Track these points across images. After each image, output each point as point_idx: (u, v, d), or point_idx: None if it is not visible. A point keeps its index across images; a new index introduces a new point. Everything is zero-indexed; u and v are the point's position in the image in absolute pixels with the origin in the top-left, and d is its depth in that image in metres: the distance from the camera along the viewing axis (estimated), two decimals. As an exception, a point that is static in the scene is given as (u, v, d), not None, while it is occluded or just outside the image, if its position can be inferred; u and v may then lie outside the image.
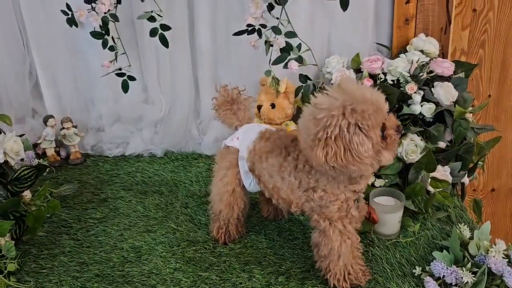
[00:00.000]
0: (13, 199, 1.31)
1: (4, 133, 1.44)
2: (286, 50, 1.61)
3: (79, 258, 1.40)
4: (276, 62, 1.62)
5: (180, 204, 1.64)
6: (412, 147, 1.50)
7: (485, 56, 1.97)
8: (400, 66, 1.57)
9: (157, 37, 1.66)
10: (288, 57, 1.61)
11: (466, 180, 1.61)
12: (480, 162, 1.60)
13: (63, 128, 1.95)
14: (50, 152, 1.98)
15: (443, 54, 1.83)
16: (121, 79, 1.79)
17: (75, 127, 1.97)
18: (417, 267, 1.23)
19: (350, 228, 1.18)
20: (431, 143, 1.53)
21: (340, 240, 1.18)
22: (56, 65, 1.93)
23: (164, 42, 1.65)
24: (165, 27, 1.64)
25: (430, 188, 1.51)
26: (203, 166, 1.90)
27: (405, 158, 1.52)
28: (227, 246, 1.41)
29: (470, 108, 1.63)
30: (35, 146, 1.97)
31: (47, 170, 1.63)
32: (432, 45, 1.72)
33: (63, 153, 2.02)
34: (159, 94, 1.90)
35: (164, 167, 1.91)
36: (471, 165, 1.57)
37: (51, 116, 1.95)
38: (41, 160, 1.81)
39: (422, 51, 1.70)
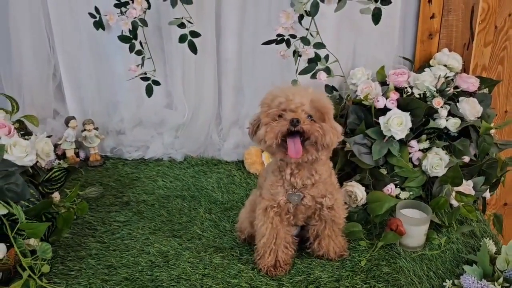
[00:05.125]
0: (45, 201, 1.32)
1: (35, 135, 1.45)
2: (314, 60, 1.63)
3: (107, 261, 1.40)
4: (304, 72, 1.64)
5: (203, 210, 1.65)
6: (437, 161, 1.52)
7: (504, 72, 2.00)
8: (427, 80, 1.59)
9: (184, 43, 1.68)
10: (316, 68, 1.63)
11: (487, 194, 1.63)
12: (502, 178, 1.62)
13: (85, 129, 1.96)
14: (70, 153, 1.98)
15: (464, 70, 1.85)
16: (144, 83, 1.81)
17: (96, 129, 1.97)
18: (447, 280, 1.24)
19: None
20: (456, 157, 1.55)
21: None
22: (80, 67, 1.94)
23: (193, 48, 1.67)
24: (195, 34, 1.66)
25: (453, 202, 1.53)
26: (224, 172, 1.91)
27: (429, 171, 1.53)
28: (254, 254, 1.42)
29: (493, 124, 1.65)
30: (55, 147, 1.97)
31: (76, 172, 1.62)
32: (455, 61, 1.75)
33: (82, 154, 2.03)
34: (182, 99, 1.91)
35: (185, 172, 1.92)
36: (494, 180, 1.59)
37: (73, 118, 1.96)
38: (61, 162, 1.81)
39: (445, 66, 1.73)
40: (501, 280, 1.17)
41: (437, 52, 1.83)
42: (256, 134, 1.23)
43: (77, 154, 2.01)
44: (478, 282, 1.19)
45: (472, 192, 1.55)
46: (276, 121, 1.19)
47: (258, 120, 1.24)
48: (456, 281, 1.24)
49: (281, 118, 1.19)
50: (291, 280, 1.31)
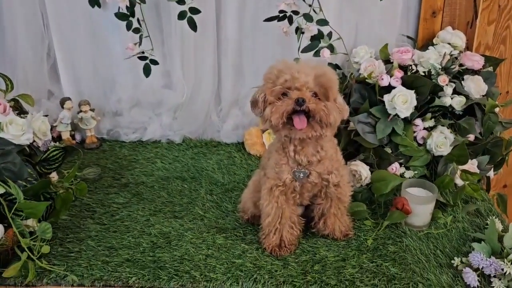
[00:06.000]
0: (44, 180, 1.28)
1: (31, 114, 1.40)
2: (317, 38, 1.59)
3: (107, 242, 1.37)
4: (307, 50, 1.60)
5: (204, 191, 1.62)
6: (442, 140, 1.50)
7: (506, 52, 1.97)
8: (432, 58, 1.56)
9: (183, 21, 1.64)
10: (319, 45, 1.59)
11: (491, 173, 1.62)
12: (506, 156, 1.61)
13: (81, 111, 1.91)
14: (66, 135, 1.94)
15: (467, 48, 1.82)
16: (142, 63, 1.76)
17: (92, 110, 1.93)
18: (455, 258, 1.23)
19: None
20: (461, 135, 1.53)
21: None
22: (75, 47, 1.88)
23: (193, 25, 1.62)
24: (195, 10, 1.61)
25: (458, 181, 1.52)
26: (224, 153, 1.88)
27: (433, 150, 1.51)
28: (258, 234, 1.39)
29: (497, 102, 1.63)
30: (50, 129, 1.92)
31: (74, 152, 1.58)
32: (459, 39, 1.72)
33: (78, 137, 1.99)
34: (181, 79, 1.86)
35: (184, 153, 1.88)
36: (499, 159, 1.57)
37: (68, 99, 1.91)
38: (57, 143, 1.77)
39: (449, 44, 1.70)
40: (511, 256, 1.16)
41: (440, 30, 1.80)
42: (263, 113, 1.20)
43: (73, 137, 1.97)
44: (487, 260, 1.17)
45: (477, 171, 1.53)
46: (281, 100, 1.17)
47: (264, 96, 1.20)
48: (464, 259, 1.23)
49: (286, 97, 1.17)
50: (296, 260, 1.29)
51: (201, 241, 1.37)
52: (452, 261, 1.23)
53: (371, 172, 1.51)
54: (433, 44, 1.73)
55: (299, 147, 1.24)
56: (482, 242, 1.23)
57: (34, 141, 1.37)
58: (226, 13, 1.79)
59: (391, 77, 1.54)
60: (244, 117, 1.94)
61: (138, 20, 1.70)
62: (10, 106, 1.37)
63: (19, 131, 1.29)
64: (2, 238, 1.18)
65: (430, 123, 1.52)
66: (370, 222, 1.42)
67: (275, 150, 1.28)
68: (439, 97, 1.54)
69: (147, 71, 1.76)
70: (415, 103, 1.49)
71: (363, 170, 1.50)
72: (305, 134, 1.19)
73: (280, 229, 1.29)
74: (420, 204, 1.38)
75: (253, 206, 1.39)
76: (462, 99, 1.54)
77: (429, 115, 1.53)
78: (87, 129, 1.94)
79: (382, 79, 1.53)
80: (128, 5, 1.64)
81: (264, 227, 1.31)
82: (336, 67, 1.69)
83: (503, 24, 1.92)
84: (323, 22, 1.56)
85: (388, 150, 1.53)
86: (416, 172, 1.52)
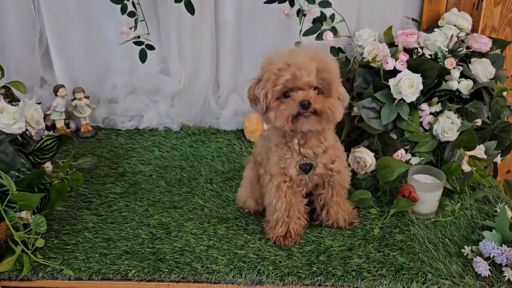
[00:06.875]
0: (38, 171, 1.23)
1: (24, 102, 1.34)
2: (319, 20, 1.54)
3: (105, 234, 1.32)
4: (309, 33, 1.55)
5: (204, 180, 1.58)
6: (449, 125, 1.46)
7: (511, 34, 1.92)
8: (439, 41, 1.51)
9: (180, 4, 1.58)
10: (321, 28, 1.54)
11: (498, 159, 1.58)
12: (514, 142, 1.57)
13: (75, 98, 1.85)
14: (60, 124, 1.88)
15: (473, 30, 1.77)
16: (138, 48, 1.70)
17: (87, 98, 1.87)
18: (466, 246, 1.19)
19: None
20: (468, 120, 1.49)
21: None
22: (68, 32, 1.81)
23: (190, 8, 1.56)
24: (192, -7, 1.55)
25: (465, 167, 1.48)
26: (223, 141, 1.83)
27: (440, 135, 1.47)
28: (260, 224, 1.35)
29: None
30: (43, 117, 1.86)
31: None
32: (465, 21, 1.66)
33: (72, 125, 1.93)
34: (178, 65, 1.80)
35: (182, 141, 1.83)
36: (507, 144, 1.53)
37: (62, 86, 1.85)
38: (51, 132, 1.71)
39: (455, 26, 1.65)
40: (523, 245, 1.12)
41: (446, 12, 1.74)
42: (266, 113, 1.15)
43: (67, 125, 1.91)
44: (498, 248, 1.14)
45: (484, 157, 1.49)
46: (285, 103, 1.11)
47: (265, 93, 1.13)
48: (474, 248, 1.19)
49: (289, 98, 1.12)
50: (301, 250, 1.25)
51: (202, 232, 1.32)
52: (462, 250, 1.19)
53: (376, 159, 1.46)
54: (438, 26, 1.68)
55: (302, 140, 1.20)
56: (493, 230, 1.19)
57: (26, 130, 1.32)
58: (225, -5, 1.73)
59: (396, 60, 1.49)
60: (243, 103, 1.88)
61: (133, 3, 1.63)
62: (1, 94, 1.32)
63: (11, 120, 1.24)
64: (-6, 231, 1.14)
65: (437, 107, 1.48)
66: (375, 211, 1.38)
67: (275, 145, 1.23)
68: (445, 81, 1.49)
69: (143, 57, 1.70)
70: (421, 87, 1.43)
71: (368, 157, 1.46)
72: (312, 128, 1.15)
73: (288, 222, 1.25)
74: (427, 191, 1.34)
75: (255, 203, 1.36)
76: (470, 82, 1.49)
77: (435, 99, 1.48)
78: (82, 117, 1.88)
79: (387, 62, 1.48)
80: (122, -13, 1.58)
81: (271, 220, 1.27)
82: (339, 50, 1.63)
83: (509, 6, 1.86)
84: (325, 3, 1.51)
85: (393, 136, 1.48)
86: (422, 158, 1.48)
